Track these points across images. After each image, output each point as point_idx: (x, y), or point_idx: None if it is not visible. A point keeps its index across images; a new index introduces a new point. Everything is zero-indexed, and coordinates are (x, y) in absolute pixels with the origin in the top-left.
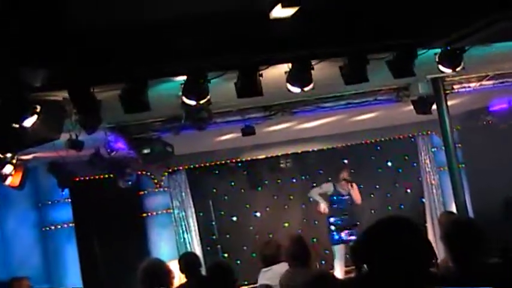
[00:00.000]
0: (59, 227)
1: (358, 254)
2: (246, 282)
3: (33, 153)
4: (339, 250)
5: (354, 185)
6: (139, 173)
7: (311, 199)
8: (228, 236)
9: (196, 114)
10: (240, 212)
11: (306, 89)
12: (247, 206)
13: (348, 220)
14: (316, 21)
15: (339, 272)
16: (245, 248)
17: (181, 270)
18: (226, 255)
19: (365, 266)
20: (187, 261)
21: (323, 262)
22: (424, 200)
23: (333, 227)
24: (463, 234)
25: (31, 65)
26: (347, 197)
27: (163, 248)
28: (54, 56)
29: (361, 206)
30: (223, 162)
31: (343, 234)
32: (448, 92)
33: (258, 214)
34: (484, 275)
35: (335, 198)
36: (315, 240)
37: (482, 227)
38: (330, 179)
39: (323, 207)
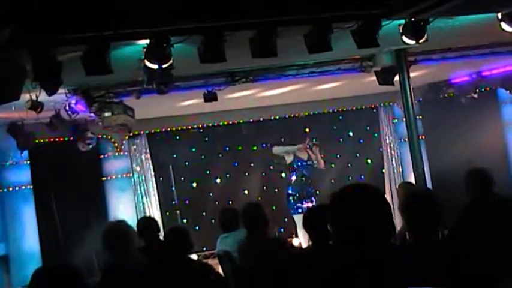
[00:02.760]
0: (17, 188)
1: (309, 222)
2: (204, 248)
3: None
4: (299, 220)
5: (315, 149)
6: (100, 136)
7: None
8: (187, 201)
9: (158, 78)
10: (200, 178)
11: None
12: (208, 172)
13: (307, 189)
14: None
15: (302, 240)
16: (204, 214)
17: (140, 234)
18: (185, 220)
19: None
20: (146, 225)
21: (282, 230)
22: (384, 170)
23: (291, 197)
24: (420, 205)
25: None
26: (307, 162)
27: (122, 211)
28: (15, 16)
29: (321, 175)
30: (184, 127)
31: (301, 204)
32: (410, 63)
33: (218, 181)
34: (438, 249)
35: (295, 165)
36: (274, 208)
37: (439, 199)
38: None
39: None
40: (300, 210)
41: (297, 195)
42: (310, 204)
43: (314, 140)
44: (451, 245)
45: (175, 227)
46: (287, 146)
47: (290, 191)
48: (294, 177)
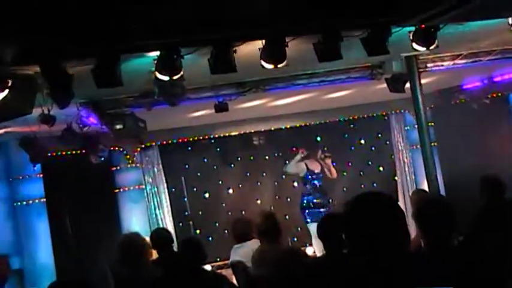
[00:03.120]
0: (31, 202)
1: (323, 231)
2: (218, 259)
3: (5, 127)
4: (313, 229)
5: (327, 160)
6: (112, 148)
7: (283, 176)
8: (200, 212)
9: (169, 89)
10: (213, 189)
11: (279, 65)
12: (220, 182)
13: (321, 198)
14: None
15: (317, 249)
16: (217, 224)
17: (153, 246)
18: (198, 231)
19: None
20: (159, 237)
21: (295, 239)
22: (396, 178)
23: (305, 207)
24: (434, 212)
25: (2, 40)
26: (321, 174)
27: (135, 223)
28: (26, 30)
29: (334, 184)
30: (196, 138)
31: (316, 213)
32: (421, 70)
33: (231, 191)
34: (453, 255)
35: (309, 177)
36: (287, 217)
37: (452, 205)
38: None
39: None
40: (314, 219)
41: (311, 204)
42: (324, 213)
43: (326, 148)
44: (465, 251)
45: (189, 238)
46: (296, 157)
47: (304, 201)
48: (307, 187)
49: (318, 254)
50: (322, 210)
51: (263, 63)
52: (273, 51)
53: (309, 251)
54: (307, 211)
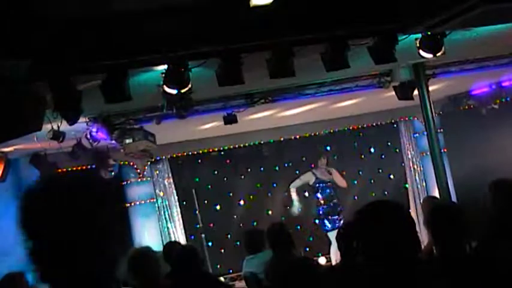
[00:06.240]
0: None
1: (343, 240)
2: (230, 271)
3: (15, 145)
4: (333, 237)
5: (333, 170)
6: (122, 163)
7: (286, 193)
8: (211, 224)
9: (178, 103)
10: (224, 201)
11: (287, 77)
12: (231, 194)
13: (336, 206)
14: (297, 7)
15: (333, 258)
16: (229, 236)
17: (165, 260)
18: (210, 243)
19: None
20: (172, 250)
21: (307, 249)
22: (407, 185)
23: (322, 215)
24: (446, 219)
25: (11, 57)
26: (329, 183)
27: (147, 237)
28: (34, 47)
29: (344, 192)
30: (205, 150)
31: (334, 220)
32: (429, 77)
33: (242, 202)
34: (465, 263)
35: (318, 186)
36: (298, 227)
37: (464, 212)
38: (312, 166)
39: (294, 211)
40: (333, 227)
41: (329, 212)
42: (341, 221)
43: (336, 157)
44: (479, 259)
45: (183, 247)
46: (301, 176)
47: (321, 210)
48: (320, 196)
49: (334, 263)
50: (339, 217)
51: (270, 74)
52: (280, 62)
53: (322, 260)
54: (325, 220)
